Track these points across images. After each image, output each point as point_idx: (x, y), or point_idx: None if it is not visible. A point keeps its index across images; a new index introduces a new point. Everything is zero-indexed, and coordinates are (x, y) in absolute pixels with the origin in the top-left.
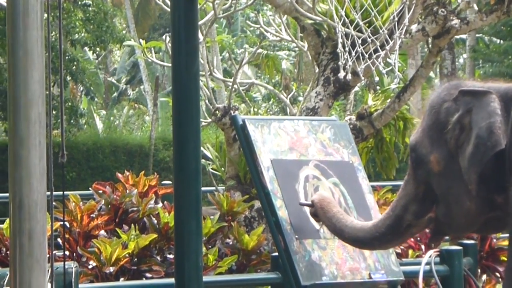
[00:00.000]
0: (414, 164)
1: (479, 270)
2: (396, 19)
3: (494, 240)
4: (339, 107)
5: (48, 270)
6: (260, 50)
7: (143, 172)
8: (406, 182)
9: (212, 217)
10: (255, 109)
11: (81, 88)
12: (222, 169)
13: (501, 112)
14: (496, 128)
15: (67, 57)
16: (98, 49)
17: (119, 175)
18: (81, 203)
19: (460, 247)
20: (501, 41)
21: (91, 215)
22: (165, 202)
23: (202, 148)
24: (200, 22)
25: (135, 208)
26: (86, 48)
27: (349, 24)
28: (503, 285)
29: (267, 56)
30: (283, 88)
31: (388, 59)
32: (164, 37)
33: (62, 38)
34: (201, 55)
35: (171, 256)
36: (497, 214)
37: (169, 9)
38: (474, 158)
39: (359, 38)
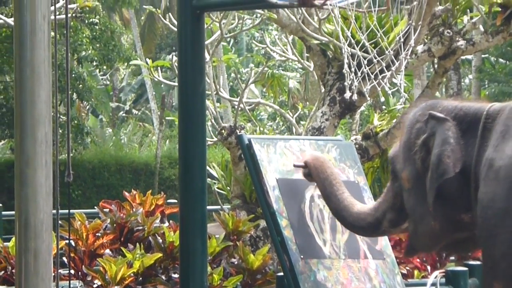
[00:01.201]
0: (392, 176)
1: None
2: (402, 39)
3: None
4: (345, 126)
5: None
6: (266, 69)
7: (150, 191)
8: (387, 189)
9: (217, 236)
10: (261, 129)
11: (88, 106)
12: (228, 188)
13: (458, 137)
14: (445, 157)
15: (73, 75)
16: (105, 67)
17: (126, 193)
18: (86, 221)
19: (466, 268)
20: (507, 61)
21: (97, 234)
22: (170, 221)
23: (208, 167)
24: (206, 42)
25: (140, 227)
26: (94, 66)
27: (355, 45)
28: None
29: (272, 75)
30: (290, 108)
31: (394, 80)
32: (170, 56)
33: (69, 57)
34: (207, 74)
35: (176, 275)
36: (465, 234)
37: (175, 29)
38: (431, 182)
39: (365, 58)
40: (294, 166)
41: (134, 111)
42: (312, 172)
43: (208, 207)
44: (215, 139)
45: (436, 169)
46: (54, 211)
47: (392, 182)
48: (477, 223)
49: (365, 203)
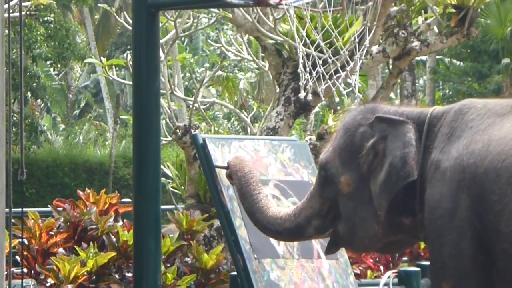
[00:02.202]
0: (323, 182)
1: None
2: (357, 40)
3: None
4: (299, 127)
5: None
6: (220, 72)
7: (104, 190)
8: (311, 195)
9: (171, 235)
10: (216, 128)
11: (42, 105)
12: (182, 187)
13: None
14: (410, 159)
15: (28, 74)
16: (59, 65)
17: (80, 192)
18: (40, 220)
19: (419, 268)
20: (461, 63)
21: (50, 233)
22: (124, 220)
23: (162, 167)
24: (161, 41)
25: (94, 226)
26: (49, 64)
27: (310, 45)
28: None
29: (227, 78)
30: (239, 108)
31: (348, 80)
32: (125, 55)
33: (23, 55)
34: (162, 73)
35: (130, 274)
36: (402, 236)
37: (130, 27)
38: (386, 186)
39: (320, 58)
40: (216, 167)
41: (89, 110)
42: (232, 171)
43: (162, 207)
44: (170, 138)
45: (399, 172)
46: (7, 210)
47: (320, 188)
48: (422, 224)
49: None
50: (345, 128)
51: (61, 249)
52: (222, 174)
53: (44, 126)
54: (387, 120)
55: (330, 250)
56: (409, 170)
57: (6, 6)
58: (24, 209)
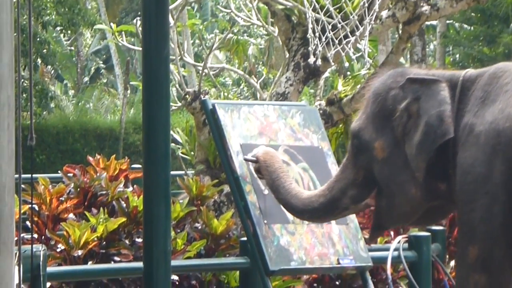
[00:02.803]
0: (356, 150)
1: (447, 256)
2: (367, 5)
3: None
4: (310, 92)
5: (16, 253)
6: (230, 36)
7: (114, 156)
8: (344, 166)
9: (181, 201)
10: (225, 94)
11: (52, 71)
12: (192, 153)
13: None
14: (447, 117)
15: (38, 40)
16: (69, 32)
17: (90, 158)
18: (50, 186)
19: (429, 233)
20: (471, 27)
21: (60, 198)
22: (134, 186)
23: (172, 132)
24: (170, 7)
25: (104, 192)
26: (59, 30)
27: (319, 10)
28: (456, 272)
29: (237, 41)
30: (248, 73)
31: (358, 45)
32: (135, 21)
33: (31, 20)
34: (171, 39)
35: (140, 240)
36: (438, 202)
37: None
38: (423, 146)
39: (329, 23)
40: (245, 160)
41: (99, 76)
42: (261, 165)
43: (172, 172)
44: (179, 104)
45: (436, 130)
46: (17, 176)
47: (354, 158)
48: (455, 188)
49: (328, 169)
50: (375, 93)
51: (71, 215)
52: (231, 139)
53: (54, 92)
54: (419, 81)
55: (375, 234)
56: (446, 127)
57: None
58: (34, 175)
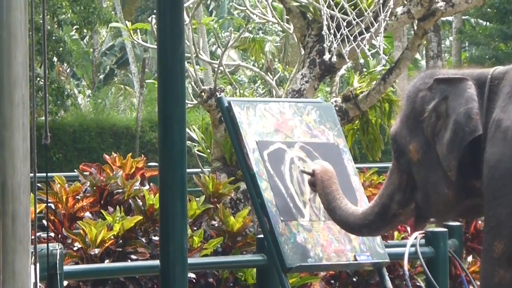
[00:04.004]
0: (396, 154)
1: (464, 252)
2: (381, 1)
3: (480, 222)
4: (325, 89)
5: (32, 252)
6: (246, 34)
7: (130, 154)
8: (391, 171)
9: (197, 198)
10: (241, 91)
11: (68, 70)
12: (208, 150)
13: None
14: (474, 114)
15: (53, 38)
16: (85, 30)
17: (107, 156)
18: (66, 184)
19: (446, 229)
20: (487, 23)
21: (76, 197)
22: (151, 184)
23: (187, 130)
24: (186, 4)
25: (120, 190)
26: (74, 29)
27: (334, 7)
28: (481, 267)
29: (253, 39)
30: (265, 71)
31: (373, 42)
32: (150, 19)
33: (45, 19)
34: (187, 37)
35: (156, 238)
36: (476, 200)
37: None
38: (453, 144)
39: (344, 20)
40: (302, 172)
41: (115, 74)
42: (318, 183)
43: (188, 170)
44: (195, 101)
45: (464, 128)
46: (32, 174)
47: (396, 162)
48: (483, 183)
49: (344, 165)
50: (407, 96)
51: (87, 213)
52: (247, 137)
53: (70, 91)
54: (446, 80)
55: (418, 224)
56: (474, 124)
57: None
58: (50, 174)
